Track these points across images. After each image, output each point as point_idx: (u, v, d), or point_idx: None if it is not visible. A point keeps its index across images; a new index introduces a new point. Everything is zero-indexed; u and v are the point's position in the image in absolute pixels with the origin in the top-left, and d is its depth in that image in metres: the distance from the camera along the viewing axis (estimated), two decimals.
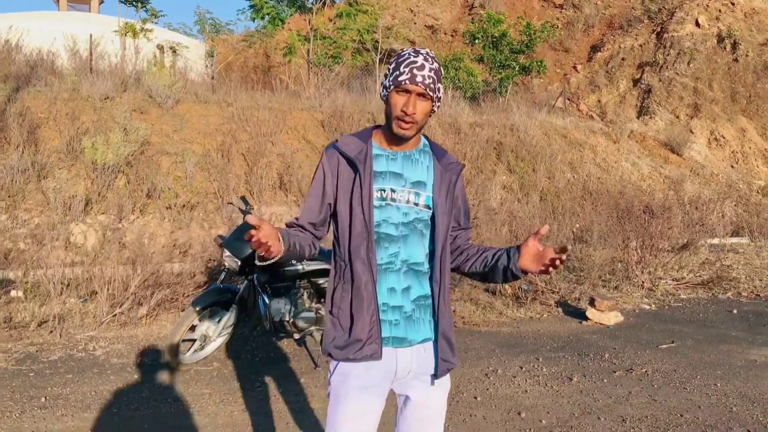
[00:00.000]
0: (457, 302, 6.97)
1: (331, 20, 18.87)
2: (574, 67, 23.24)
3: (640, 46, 22.18)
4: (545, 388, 4.87)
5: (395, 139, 2.26)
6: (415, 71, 2.14)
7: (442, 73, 2.27)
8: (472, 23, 20.54)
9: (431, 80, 2.16)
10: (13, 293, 6.45)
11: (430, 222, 2.31)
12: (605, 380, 5.06)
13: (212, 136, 11.78)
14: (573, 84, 22.50)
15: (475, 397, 4.63)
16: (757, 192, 17.30)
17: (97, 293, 6.11)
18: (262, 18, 17.35)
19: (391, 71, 2.21)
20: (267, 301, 4.82)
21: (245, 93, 14.27)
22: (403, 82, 2.15)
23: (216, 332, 4.97)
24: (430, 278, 2.33)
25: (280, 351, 5.57)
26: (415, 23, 25.33)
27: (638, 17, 23.42)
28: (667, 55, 21.11)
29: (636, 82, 21.43)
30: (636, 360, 5.60)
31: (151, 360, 5.14)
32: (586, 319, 6.84)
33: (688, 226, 10.42)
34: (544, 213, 12.51)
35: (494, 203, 12.24)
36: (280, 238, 2.08)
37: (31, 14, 18.80)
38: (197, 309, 4.75)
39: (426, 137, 2.42)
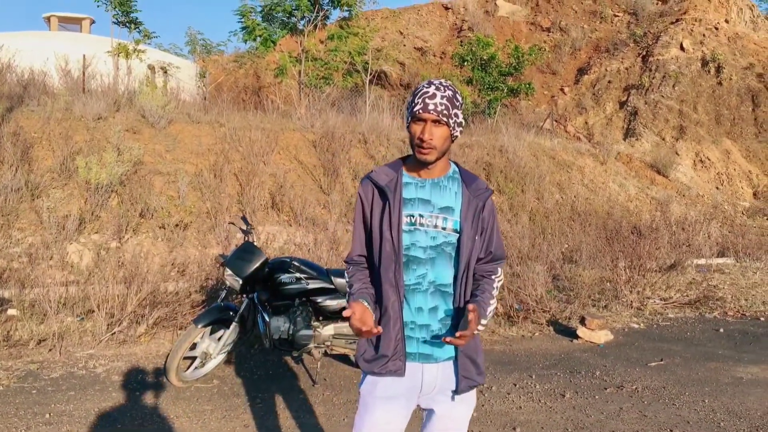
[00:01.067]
0: None
1: (322, 42, 19.10)
2: (562, 90, 23.59)
3: (626, 69, 22.58)
4: (539, 404, 4.99)
5: (421, 166, 2.42)
6: (427, 100, 2.31)
7: (460, 99, 2.41)
8: (461, 46, 20.84)
9: (443, 107, 2.31)
10: (10, 312, 6.49)
11: (457, 245, 2.44)
12: (597, 397, 5.18)
13: (205, 156, 11.87)
14: (560, 106, 22.83)
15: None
16: (742, 213, 17.58)
17: (93, 312, 6.16)
18: (254, 39, 17.54)
19: (409, 104, 2.39)
20: (267, 318, 4.91)
21: (237, 113, 14.40)
22: (417, 112, 2.31)
23: (216, 350, 5.05)
24: (453, 299, 2.47)
25: (278, 368, 5.64)
26: (404, 45, 25.65)
27: (624, 41, 23.86)
28: (653, 78, 21.49)
29: (622, 104, 21.79)
30: (626, 377, 5.72)
31: (152, 377, 5.20)
32: (577, 337, 6.96)
33: (675, 246, 10.61)
34: (533, 233, 12.66)
35: None
36: (368, 307, 2.32)
37: (22, 34, 18.85)
38: (199, 326, 4.83)
39: (456, 164, 2.56)
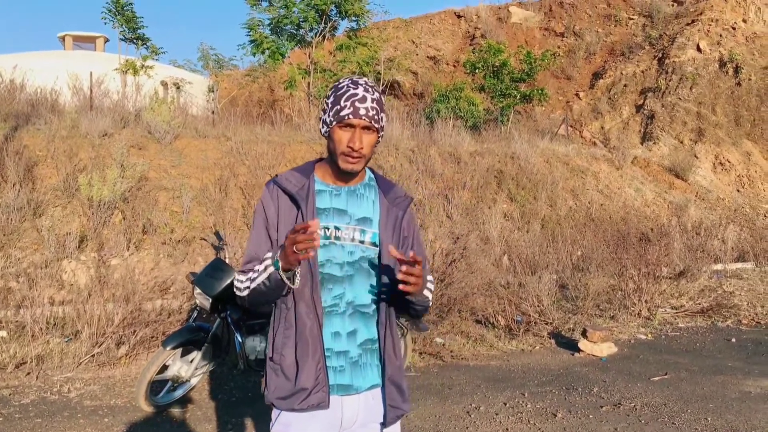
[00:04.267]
0: (447, 335, 6.85)
1: (331, 53, 19.01)
2: (577, 95, 23.25)
3: (642, 72, 22.17)
4: (527, 425, 4.74)
5: (341, 175, 2.18)
6: (357, 104, 2.06)
7: (384, 101, 2.20)
8: (473, 53, 20.63)
9: (374, 111, 2.09)
10: None
11: (377, 260, 2.21)
12: (591, 416, 4.93)
13: (210, 170, 11.80)
14: (576, 111, 22.48)
15: None
16: (764, 216, 17.09)
17: (80, 333, 6.05)
18: (263, 53, 17.50)
19: (330, 105, 2.12)
20: (240, 339, 4.73)
21: (244, 127, 14.34)
22: (346, 117, 2.07)
23: (189, 372, 4.88)
24: (377, 321, 2.25)
25: (257, 390, 5.46)
26: (417, 54, 25.50)
27: (639, 44, 23.45)
28: (669, 80, 21.07)
29: (639, 108, 21.38)
30: (625, 393, 5.46)
31: (124, 402, 5.06)
32: (579, 350, 6.71)
33: (689, 252, 10.27)
34: (545, 241, 12.38)
35: (494, 232, 12.13)
36: None
37: (37, 54, 19.07)
38: (167, 349, 4.67)
39: (372, 170, 2.33)
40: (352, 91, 2.09)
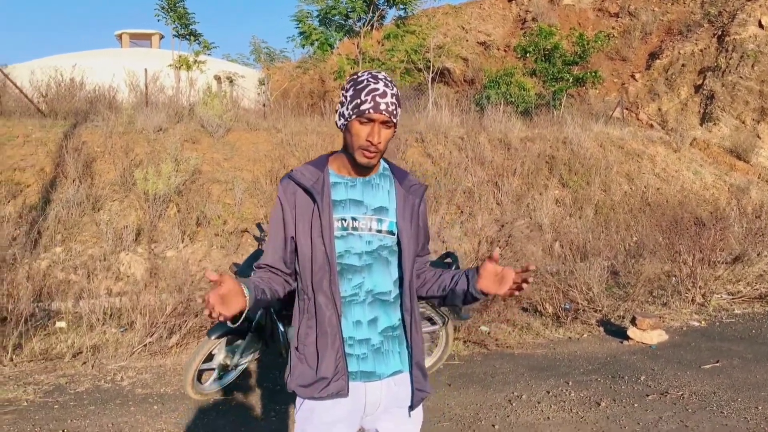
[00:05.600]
0: (492, 323, 6.82)
1: (379, 42, 19.00)
2: (633, 76, 22.65)
3: (701, 51, 21.45)
4: (569, 414, 4.70)
5: (357, 167, 2.20)
6: (378, 99, 2.07)
7: (400, 96, 2.23)
8: (524, 37, 20.32)
9: (394, 107, 2.11)
10: (58, 324, 6.68)
11: (396, 248, 2.25)
12: (636, 405, 4.85)
13: (261, 162, 12.00)
14: (632, 93, 21.91)
15: (493, 425, 4.51)
16: None
17: (135, 323, 6.26)
18: (311, 44, 17.62)
19: (350, 98, 2.12)
20: (283, 328, 4.82)
21: (294, 119, 14.50)
22: (366, 111, 2.07)
23: (233, 361, 5.00)
24: (400, 306, 2.28)
25: None
26: (467, 40, 25.23)
27: (698, 22, 22.67)
28: (730, 58, 20.33)
29: (698, 88, 20.71)
30: (674, 382, 5.35)
31: (173, 390, 5.22)
32: (628, 338, 6.59)
33: (749, 236, 9.93)
34: (597, 227, 12.16)
35: (545, 219, 11.99)
36: (246, 293, 2.04)
37: (95, 52, 19.65)
38: (212, 338, 4.79)
39: (386, 160, 2.36)
40: (372, 86, 2.10)
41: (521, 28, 25.23)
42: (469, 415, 4.68)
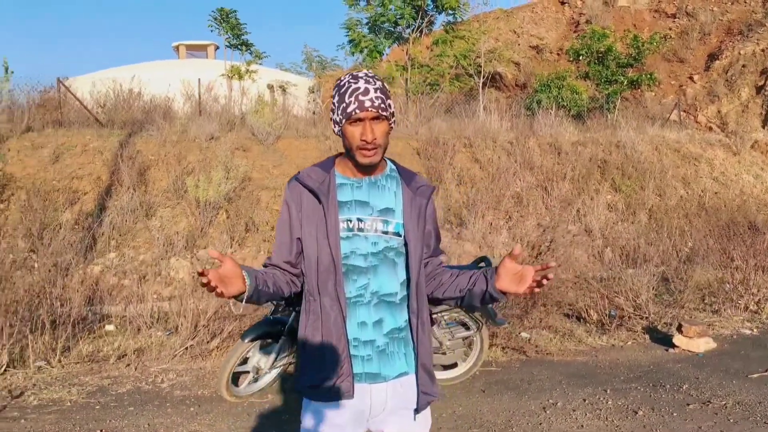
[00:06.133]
0: (533, 330, 6.73)
1: (428, 48, 19.02)
2: (691, 78, 22.04)
3: (762, 51, 20.72)
4: (605, 422, 4.60)
5: (361, 168, 2.22)
6: (361, 97, 2.09)
7: (387, 88, 2.23)
8: (577, 40, 20.02)
9: (380, 100, 2.11)
10: (107, 327, 6.90)
11: (403, 250, 2.25)
12: (675, 414, 4.71)
13: None
14: (690, 95, 21.33)
15: None
16: None
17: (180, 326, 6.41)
18: (361, 51, 17.78)
19: (337, 104, 2.15)
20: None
21: None
22: (353, 112, 2.09)
23: (268, 364, 5.06)
24: (407, 308, 2.28)
25: None
26: (519, 45, 25.01)
27: (759, 21, 21.91)
28: None
29: (759, 89, 20.01)
30: (718, 391, 5.17)
31: (210, 392, 5.32)
32: (673, 346, 6.40)
33: None
34: (650, 233, 11.86)
35: (595, 224, 11.77)
36: (245, 277, 2.09)
37: (152, 64, 20.25)
38: (246, 341, 4.87)
39: (392, 161, 2.36)
40: (353, 86, 2.12)
41: (574, 31, 24.86)
42: (500, 422, 4.63)
